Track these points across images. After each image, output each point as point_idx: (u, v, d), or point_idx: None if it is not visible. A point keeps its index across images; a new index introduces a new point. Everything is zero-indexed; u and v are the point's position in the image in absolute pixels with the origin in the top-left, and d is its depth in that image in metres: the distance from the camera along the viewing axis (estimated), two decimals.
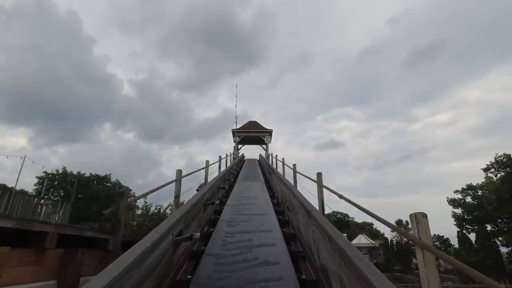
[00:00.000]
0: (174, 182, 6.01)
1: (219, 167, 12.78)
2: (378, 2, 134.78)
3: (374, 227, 79.40)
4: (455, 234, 40.13)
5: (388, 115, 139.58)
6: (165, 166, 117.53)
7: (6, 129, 78.68)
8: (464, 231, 39.67)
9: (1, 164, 75.59)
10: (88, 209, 35.50)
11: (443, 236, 50.60)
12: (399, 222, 55.09)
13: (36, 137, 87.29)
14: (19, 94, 74.44)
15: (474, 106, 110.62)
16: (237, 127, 25.68)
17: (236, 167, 14.05)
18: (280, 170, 13.18)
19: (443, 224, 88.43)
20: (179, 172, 6.08)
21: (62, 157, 78.30)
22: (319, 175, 6.20)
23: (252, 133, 25.48)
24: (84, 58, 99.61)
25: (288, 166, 11.72)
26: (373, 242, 61.28)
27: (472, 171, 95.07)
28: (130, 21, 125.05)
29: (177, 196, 5.90)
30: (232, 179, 8.94)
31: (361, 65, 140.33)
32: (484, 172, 38.79)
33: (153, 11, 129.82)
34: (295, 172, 9.60)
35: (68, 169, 39.23)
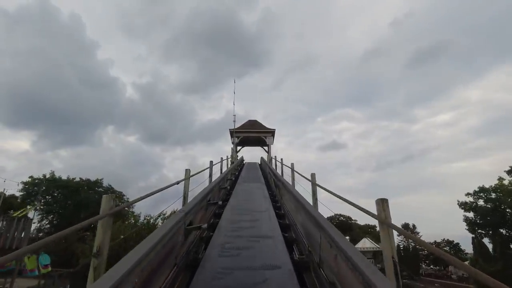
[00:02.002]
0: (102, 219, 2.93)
1: (210, 176, 9.69)
2: (381, 4, 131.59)
3: (377, 230, 76.36)
4: (461, 235, 37.01)
5: (389, 115, 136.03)
6: (167, 168, 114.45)
7: (9, 133, 76.56)
8: (477, 237, 36.48)
9: (2, 167, 72.96)
10: (77, 216, 32.41)
11: (453, 241, 47.03)
12: (405, 225, 51.94)
13: (39, 140, 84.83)
14: (22, 98, 72.34)
15: (475, 106, 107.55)
16: (236, 127, 22.60)
17: (232, 176, 10.94)
18: (287, 178, 10.10)
19: (448, 226, 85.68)
20: (107, 201, 3.00)
21: (64, 160, 75.56)
22: (383, 204, 3.07)
23: (253, 133, 22.34)
24: (87, 62, 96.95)
25: (302, 175, 8.58)
26: (378, 246, 58.35)
27: (474, 170, 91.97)
28: (134, 24, 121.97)
29: (98, 254, 2.81)
30: (221, 202, 5.81)
31: (363, 67, 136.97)
32: (508, 174, 35.72)
33: (157, 14, 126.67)
34: (314, 186, 6.50)
35: (69, 173, 36.31)
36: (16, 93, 70.12)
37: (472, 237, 35.21)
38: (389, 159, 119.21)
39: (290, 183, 9.08)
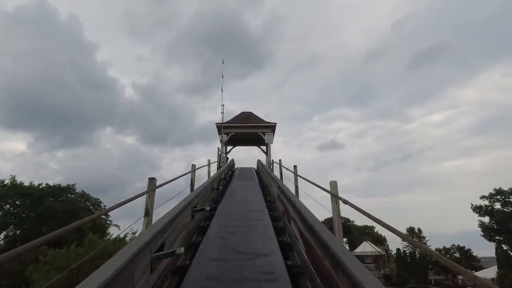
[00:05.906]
0: None
1: (147, 216, 4.05)
2: (380, 6, 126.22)
3: (376, 231, 72.10)
4: (460, 233, 31.95)
5: (385, 115, 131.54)
6: (165, 169, 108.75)
7: (6, 134, 70.37)
8: (501, 246, 31.56)
9: None
10: (38, 230, 26.43)
11: (463, 247, 41.90)
12: (411, 229, 47.04)
13: (36, 142, 78.62)
14: (19, 99, 66.03)
15: (469, 106, 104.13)
16: (225, 120, 16.94)
17: (208, 204, 5.37)
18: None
19: (446, 223, 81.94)
20: None
21: (61, 162, 69.36)
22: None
23: (247, 129, 16.70)
24: (87, 62, 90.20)
25: (345, 202, 2.99)
26: (379, 250, 53.51)
27: (467, 169, 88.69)
28: (136, 25, 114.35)
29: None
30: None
31: (361, 67, 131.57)
32: None
33: (160, 16, 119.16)
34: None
35: (65, 175, 30.46)
36: (13, 94, 63.92)
37: (496, 247, 30.28)
38: (385, 158, 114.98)
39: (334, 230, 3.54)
